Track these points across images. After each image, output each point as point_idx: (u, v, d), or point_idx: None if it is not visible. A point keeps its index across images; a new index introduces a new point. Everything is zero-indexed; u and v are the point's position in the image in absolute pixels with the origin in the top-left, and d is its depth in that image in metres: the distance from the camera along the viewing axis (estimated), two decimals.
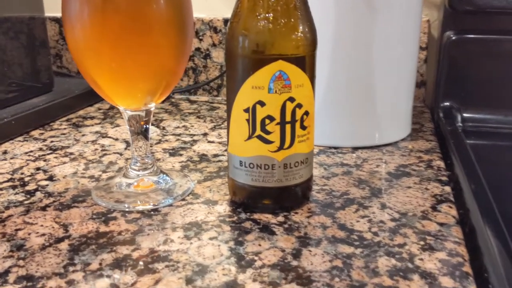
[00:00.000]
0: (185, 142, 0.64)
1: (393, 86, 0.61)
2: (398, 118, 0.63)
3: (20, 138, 0.67)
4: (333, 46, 0.57)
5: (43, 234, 0.42)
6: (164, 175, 0.51)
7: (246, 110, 0.42)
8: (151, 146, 0.63)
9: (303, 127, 0.43)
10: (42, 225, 0.43)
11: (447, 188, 0.49)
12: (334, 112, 0.60)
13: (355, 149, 0.60)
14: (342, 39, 0.57)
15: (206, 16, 0.86)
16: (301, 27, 0.41)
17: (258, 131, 0.42)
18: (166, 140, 0.65)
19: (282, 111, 0.41)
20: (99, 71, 0.44)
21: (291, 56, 0.41)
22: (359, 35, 0.57)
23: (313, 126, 0.44)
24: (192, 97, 0.89)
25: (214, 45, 0.87)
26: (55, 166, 0.57)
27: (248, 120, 0.42)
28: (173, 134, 0.68)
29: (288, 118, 0.42)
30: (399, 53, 0.60)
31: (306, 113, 0.43)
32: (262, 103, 0.41)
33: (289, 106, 0.42)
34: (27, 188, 0.51)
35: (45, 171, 0.55)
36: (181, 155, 0.60)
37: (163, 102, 0.85)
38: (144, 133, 0.49)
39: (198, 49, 0.87)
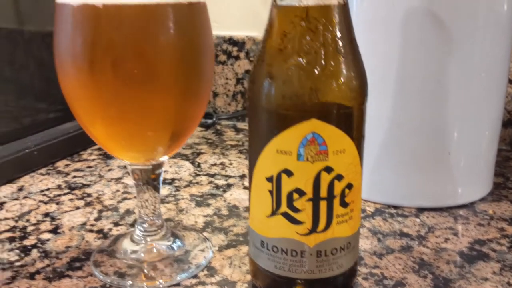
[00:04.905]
0: (217, 187, 0.55)
1: (472, 130, 0.48)
2: (477, 172, 0.50)
3: (43, 170, 0.61)
4: (396, 82, 0.46)
5: None
6: (177, 240, 0.42)
7: (269, 179, 0.32)
8: (177, 190, 0.54)
9: (344, 204, 0.32)
10: None
11: None
12: (396, 163, 0.49)
13: (420, 210, 0.48)
14: (408, 74, 0.46)
15: (258, 35, 0.77)
16: (344, 77, 0.31)
17: (284, 208, 0.32)
18: (197, 183, 0.57)
19: (316, 184, 0.31)
20: (92, 116, 0.35)
21: (329, 114, 0.31)
22: (430, 70, 0.46)
23: (358, 201, 0.34)
24: (239, 124, 0.80)
25: None
26: (66, 212, 0.50)
27: (271, 192, 0.33)
28: (207, 174, 0.59)
29: (323, 193, 0.32)
30: (481, 89, 0.47)
31: (349, 186, 0.32)
32: (289, 173, 0.32)
33: (325, 178, 0.31)
34: (25, 242, 0.44)
35: (52, 219, 0.48)
36: (209, 205, 0.51)
37: (206, 129, 0.77)
38: (153, 183, 0.40)
39: (248, 71, 0.78)
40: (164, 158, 0.39)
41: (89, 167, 0.62)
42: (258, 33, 0.77)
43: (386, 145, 0.49)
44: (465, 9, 0.44)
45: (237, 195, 0.53)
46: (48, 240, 0.44)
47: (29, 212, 0.50)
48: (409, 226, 0.45)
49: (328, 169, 0.31)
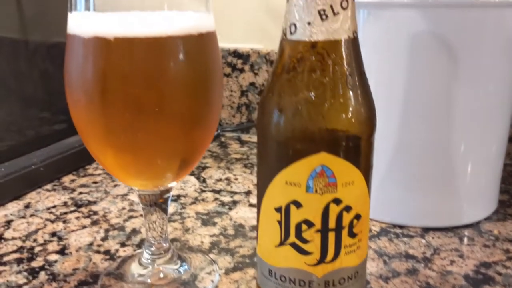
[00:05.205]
0: (223, 204, 0.56)
1: (477, 150, 0.49)
2: (483, 191, 0.51)
3: (49, 186, 0.61)
4: (402, 102, 0.47)
5: None
6: (184, 263, 0.42)
7: (278, 210, 0.33)
8: (183, 207, 0.55)
9: (352, 235, 0.33)
10: None
11: None
12: (402, 182, 0.49)
13: (426, 230, 0.49)
14: (413, 94, 0.46)
15: (263, 48, 0.77)
16: (354, 110, 0.31)
17: (292, 238, 0.32)
18: (203, 200, 0.57)
19: (324, 216, 0.32)
20: (102, 145, 0.36)
21: (338, 148, 0.31)
22: (435, 90, 0.46)
23: (366, 231, 0.34)
24: (244, 136, 0.80)
25: None
26: (73, 231, 0.50)
27: (280, 222, 0.33)
28: (213, 190, 0.59)
29: (332, 224, 0.32)
30: (487, 109, 0.48)
31: (357, 216, 0.33)
32: (298, 204, 0.32)
33: (334, 210, 0.32)
34: (33, 264, 0.44)
35: (60, 239, 0.49)
36: (214, 224, 0.51)
37: (212, 141, 0.77)
38: (161, 206, 0.40)
39: (252, 84, 0.79)
40: (173, 184, 0.39)
41: (95, 182, 0.62)
42: (262, 46, 0.78)
43: (392, 164, 0.49)
44: (471, 31, 0.45)
45: (242, 213, 0.53)
46: (55, 261, 0.45)
47: (36, 231, 0.50)
48: (415, 247, 0.46)
49: (337, 201, 0.32)
